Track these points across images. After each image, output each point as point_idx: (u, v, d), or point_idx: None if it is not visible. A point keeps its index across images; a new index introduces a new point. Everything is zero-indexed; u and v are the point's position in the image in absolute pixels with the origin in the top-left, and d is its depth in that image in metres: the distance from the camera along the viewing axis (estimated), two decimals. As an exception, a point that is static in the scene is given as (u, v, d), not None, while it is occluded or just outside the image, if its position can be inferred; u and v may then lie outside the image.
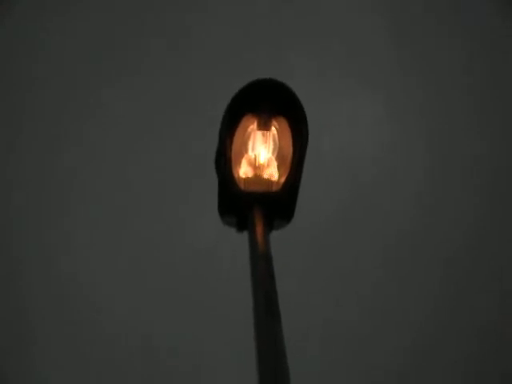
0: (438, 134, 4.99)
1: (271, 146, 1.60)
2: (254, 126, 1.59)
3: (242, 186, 1.56)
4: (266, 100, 1.56)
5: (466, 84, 4.74)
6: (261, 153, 1.60)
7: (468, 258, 5.15)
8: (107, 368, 4.55)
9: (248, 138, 1.59)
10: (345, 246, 5.10)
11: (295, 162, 1.55)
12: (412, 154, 5.09)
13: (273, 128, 1.60)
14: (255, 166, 1.60)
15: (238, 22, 4.46)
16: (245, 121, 1.58)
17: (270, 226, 1.54)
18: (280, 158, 1.60)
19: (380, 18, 4.54)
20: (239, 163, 1.59)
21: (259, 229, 1.52)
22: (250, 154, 1.60)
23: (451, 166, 5.29)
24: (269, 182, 1.58)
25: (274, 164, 1.60)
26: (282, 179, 1.57)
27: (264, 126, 1.59)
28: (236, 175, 1.57)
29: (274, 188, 1.57)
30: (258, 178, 1.59)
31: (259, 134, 1.60)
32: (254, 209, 1.54)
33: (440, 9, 4.50)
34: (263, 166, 1.60)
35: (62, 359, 4.41)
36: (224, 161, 1.54)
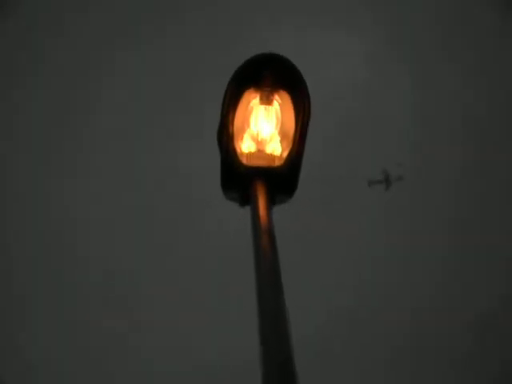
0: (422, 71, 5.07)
1: (274, 121, 1.58)
2: (256, 100, 1.57)
3: (244, 160, 1.56)
4: (269, 74, 1.54)
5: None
6: (263, 128, 1.58)
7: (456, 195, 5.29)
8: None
9: (250, 112, 1.58)
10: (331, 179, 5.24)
11: (298, 136, 1.54)
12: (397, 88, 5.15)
13: (275, 102, 1.58)
14: (258, 140, 1.58)
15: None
16: (247, 95, 1.56)
17: (272, 201, 1.54)
18: (282, 132, 1.58)
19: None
20: (242, 138, 1.58)
21: (262, 203, 1.53)
22: (253, 128, 1.58)
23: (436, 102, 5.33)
24: (271, 156, 1.57)
25: (277, 139, 1.59)
26: (285, 154, 1.56)
27: (266, 101, 1.57)
28: (238, 150, 1.56)
29: (277, 163, 1.56)
30: (260, 152, 1.58)
31: (262, 108, 1.58)
32: (257, 183, 1.54)
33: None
34: (266, 140, 1.58)
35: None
36: (226, 136, 1.54)
